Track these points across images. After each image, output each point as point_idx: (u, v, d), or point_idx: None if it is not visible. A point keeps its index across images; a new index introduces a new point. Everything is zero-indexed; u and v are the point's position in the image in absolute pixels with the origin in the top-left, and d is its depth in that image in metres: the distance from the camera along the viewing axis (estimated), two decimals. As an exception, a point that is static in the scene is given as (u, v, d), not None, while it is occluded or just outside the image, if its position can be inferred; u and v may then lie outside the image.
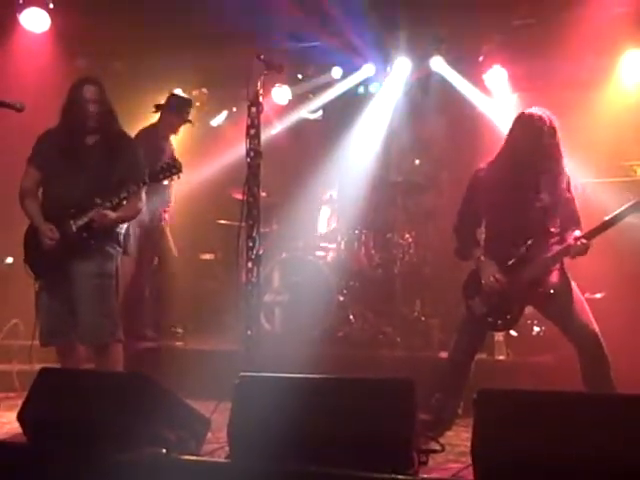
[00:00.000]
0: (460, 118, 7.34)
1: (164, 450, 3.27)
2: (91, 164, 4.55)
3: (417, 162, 7.46)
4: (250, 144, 4.34)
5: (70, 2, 6.71)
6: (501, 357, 5.59)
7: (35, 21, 6.61)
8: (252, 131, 4.36)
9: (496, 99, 7.10)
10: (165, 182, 4.70)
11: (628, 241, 5.11)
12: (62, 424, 3.38)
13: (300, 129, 8.03)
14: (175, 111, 6.39)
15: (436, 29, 6.99)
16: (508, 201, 4.17)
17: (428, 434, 3.73)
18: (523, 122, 4.17)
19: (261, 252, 4.36)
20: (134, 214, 4.70)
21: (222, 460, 3.37)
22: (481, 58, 7.11)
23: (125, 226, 4.74)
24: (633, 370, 4.40)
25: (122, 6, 6.54)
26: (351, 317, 6.46)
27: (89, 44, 7.03)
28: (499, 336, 5.54)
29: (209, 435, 3.61)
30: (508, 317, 4.20)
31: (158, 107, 6.45)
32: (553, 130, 4.10)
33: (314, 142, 8.05)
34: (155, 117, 6.55)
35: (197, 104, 7.56)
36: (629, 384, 3.87)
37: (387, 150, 7.57)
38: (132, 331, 6.16)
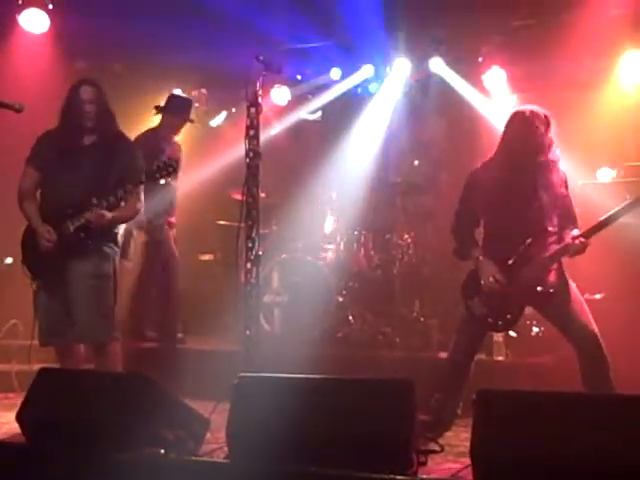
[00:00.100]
0: (459, 119, 7.34)
1: (163, 450, 3.27)
2: (88, 164, 4.56)
3: (416, 163, 7.46)
4: (249, 145, 4.34)
5: (69, 3, 6.71)
6: (500, 358, 5.59)
7: (34, 22, 6.61)
8: (251, 132, 4.36)
9: (495, 100, 7.11)
10: (162, 181, 4.68)
11: (628, 242, 5.11)
12: (61, 424, 3.38)
13: (299, 130, 8.03)
14: (175, 112, 6.38)
15: (435, 30, 7.00)
16: (505, 200, 4.17)
17: (427, 435, 3.74)
18: (517, 120, 4.18)
19: (260, 253, 4.36)
20: (132, 215, 4.70)
21: (221, 460, 3.37)
22: (480, 59, 7.12)
23: (123, 227, 4.74)
24: (633, 370, 4.40)
25: (121, 7, 6.55)
26: (350, 318, 6.46)
27: (88, 45, 7.02)
28: (498, 337, 5.53)
29: (208, 435, 3.61)
30: (508, 317, 4.20)
31: (158, 108, 6.44)
32: (547, 127, 4.11)
33: (313, 143, 8.06)
34: (155, 120, 6.55)
35: (196, 105, 7.56)
36: (629, 384, 3.87)
37: (386, 151, 7.58)
38: (134, 331, 6.17)
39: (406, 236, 6.72)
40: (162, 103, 6.55)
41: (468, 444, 2.91)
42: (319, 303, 6.23)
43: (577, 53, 6.34)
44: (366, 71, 7.61)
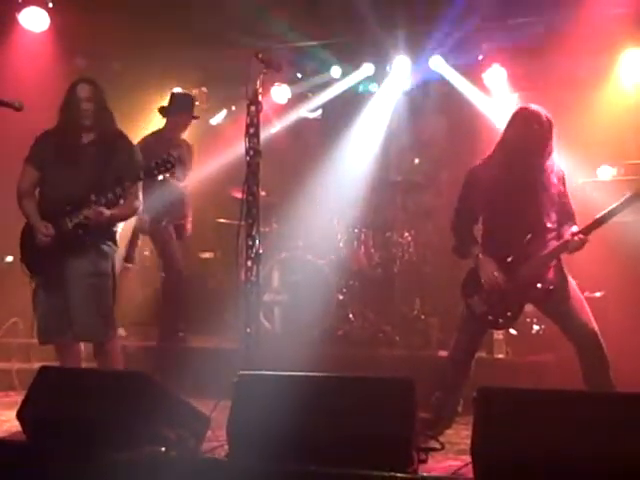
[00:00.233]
0: (460, 117, 7.34)
1: (163, 448, 3.27)
2: (86, 162, 4.56)
3: (417, 161, 7.46)
4: (249, 143, 4.34)
5: (69, 1, 6.71)
6: (501, 355, 5.60)
7: (34, 20, 6.61)
8: (251, 130, 4.35)
9: (495, 98, 7.10)
10: (160, 177, 4.68)
11: (628, 240, 5.11)
12: (62, 422, 3.38)
13: (299, 128, 8.03)
14: (179, 110, 6.36)
15: (435, 28, 6.99)
16: (504, 198, 4.17)
17: (428, 432, 3.74)
18: (520, 118, 4.18)
19: (260, 251, 4.35)
20: (130, 213, 4.70)
21: (222, 458, 3.37)
22: (480, 57, 7.12)
23: (122, 225, 4.74)
24: (633, 368, 4.41)
25: (122, 5, 6.55)
26: (351, 316, 6.47)
27: (88, 43, 7.02)
28: (499, 334, 5.54)
29: (209, 433, 3.60)
30: (508, 315, 4.20)
31: (162, 110, 6.43)
32: (549, 127, 4.11)
33: (313, 141, 8.06)
34: (157, 121, 6.55)
35: (197, 103, 7.56)
36: (629, 382, 3.87)
37: (386, 149, 7.58)
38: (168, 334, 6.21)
39: (406, 234, 6.72)
40: (163, 104, 6.55)
41: (469, 442, 2.92)
42: (319, 302, 6.23)
43: (578, 51, 6.34)
44: (366, 69, 7.61)
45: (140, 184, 4.64)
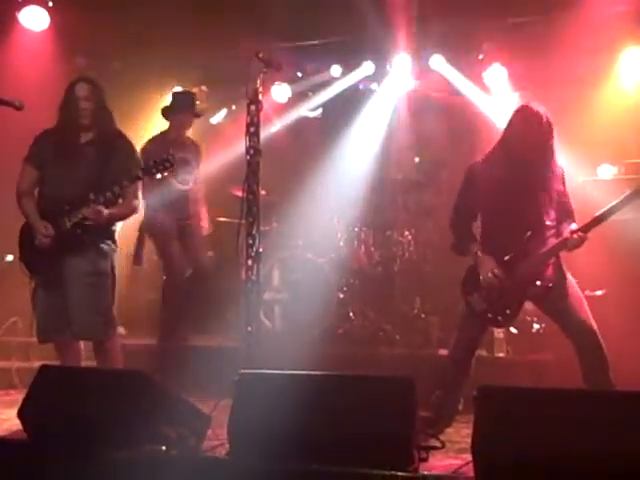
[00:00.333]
0: (460, 116, 7.34)
1: (164, 447, 3.27)
2: (85, 162, 4.57)
3: (417, 160, 7.46)
4: (250, 142, 4.33)
5: (69, 0, 6.70)
6: (501, 354, 5.60)
7: (34, 19, 6.60)
8: (252, 129, 4.35)
9: (496, 97, 7.10)
10: (158, 176, 4.68)
11: (628, 238, 5.11)
12: (62, 421, 3.39)
13: (300, 127, 8.03)
14: (182, 108, 6.34)
15: (436, 27, 6.99)
16: (503, 195, 4.16)
17: (428, 431, 3.74)
18: (520, 117, 4.18)
19: (261, 250, 4.35)
20: (129, 212, 4.70)
21: (222, 457, 3.37)
22: (481, 56, 7.11)
23: (120, 224, 4.73)
24: (634, 367, 4.41)
25: (122, 4, 6.54)
26: (351, 315, 6.47)
27: (88, 42, 7.02)
28: (499, 333, 5.55)
29: (209, 432, 3.60)
30: (507, 312, 4.20)
31: (164, 111, 6.41)
32: (549, 125, 4.11)
33: (314, 140, 8.06)
34: (154, 119, 6.54)
35: (197, 102, 7.55)
36: (630, 381, 3.87)
37: (387, 148, 7.58)
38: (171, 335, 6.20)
39: (407, 233, 6.72)
40: (165, 105, 6.54)
41: (469, 440, 2.92)
42: (320, 300, 6.24)
43: (578, 50, 6.34)
44: (367, 68, 7.60)
45: (139, 184, 4.64)
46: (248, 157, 4.35)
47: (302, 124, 8.08)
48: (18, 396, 3.97)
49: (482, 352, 5.21)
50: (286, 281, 6.51)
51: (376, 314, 6.53)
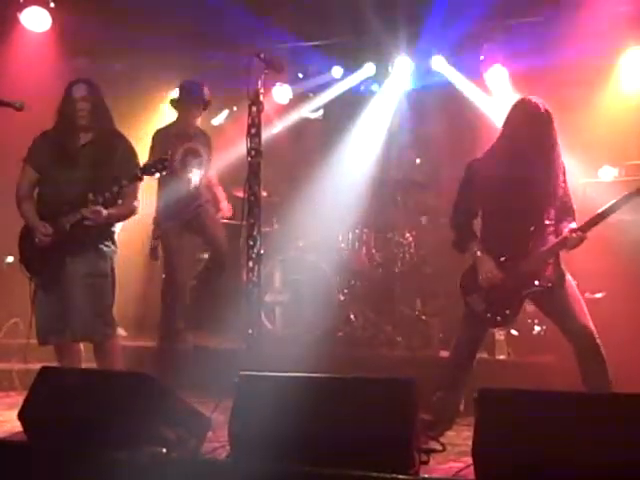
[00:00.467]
0: (461, 117, 7.34)
1: (164, 449, 3.27)
2: (84, 162, 4.57)
3: (418, 161, 7.46)
4: (251, 143, 4.34)
5: (71, 1, 6.71)
6: (502, 357, 5.59)
7: (36, 20, 6.61)
8: (253, 130, 4.35)
9: (497, 98, 7.10)
10: (157, 175, 4.69)
11: (629, 240, 5.11)
12: (63, 423, 3.38)
13: (301, 128, 8.02)
14: (189, 96, 6.32)
15: (436, 28, 6.98)
16: (504, 193, 4.14)
17: (429, 433, 3.74)
18: (520, 108, 4.16)
19: (262, 251, 4.35)
20: (128, 213, 4.70)
21: (222, 459, 3.37)
22: (482, 57, 7.11)
23: (120, 225, 4.73)
24: (635, 369, 4.40)
25: (123, 6, 6.55)
26: (352, 316, 6.46)
27: (90, 43, 7.02)
28: (500, 335, 5.54)
29: (210, 434, 3.61)
30: (507, 312, 4.18)
31: (173, 102, 6.41)
32: (549, 116, 4.09)
33: (314, 141, 8.04)
34: (155, 120, 6.54)
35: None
36: (631, 383, 3.87)
37: (388, 149, 7.57)
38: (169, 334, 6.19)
39: (407, 234, 6.72)
40: (173, 97, 6.54)
41: (470, 443, 2.91)
42: (320, 302, 6.23)
43: (579, 51, 6.33)
44: (368, 69, 7.60)
45: (139, 184, 4.64)
46: (249, 158, 4.35)
47: (303, 125, 8.08)
48: (18, 398, 3.97)
49: (483, 354, 5.21)
50: (287, 282, 6.50)
51: (377, 316, 6.52)
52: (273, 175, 6.07)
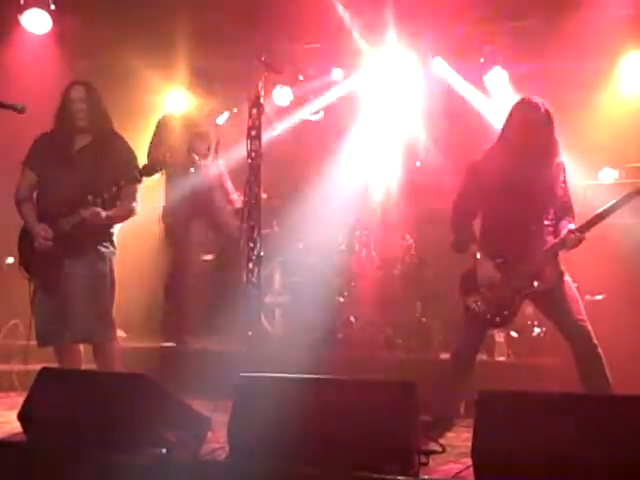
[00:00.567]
0: (461, 120, 7.33)
1: (164, 450, 3.27)
2: (82, 164, 4.59)
3: (418, 164, 7.45)
4: (251, 145, 4.35)
5: (72, 3, 6.71)
6: (502, 358, 5.59)
7: (36, 22, 6.60)
8: (253, 132, 4.37)
9: (497, 101, 7.10)
10: (156, 176, 4.71)
11: (629, 243, 5.11)
12: (62, 424, 3.39)
13: (301, 130, 8.02)
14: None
15: (436, 30, 6.99)
16: (504, 193, 4.15)
17: (429, 435, 3.73)
18: (520, 108, 4.17)
19: (262, 253, 4.36)
20: (127, 214, 4.71)
21: (222, 460, 3.37)
22: (482, 59, 7.11)
23: (119, 226, 4.74)
24: (634, 371, 4.40)
25: (124, 7, 6.55)
26: (352, 318, 6.46)
27: (91, 45, 7.02)
28: (500, 337, 5.54)
29: (209, 435, 3.60)
30: (506, 313, 4.19)
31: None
32: (549, 115, 4.10)
33: (315, 143, 8.04)
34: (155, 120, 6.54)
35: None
36: (631, 385, 3.86)
37: (388, 151, 7.56)
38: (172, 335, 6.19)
39: (408, 237, 6.72)
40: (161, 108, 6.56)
41: (470, 444, 2.92)
42: (320, 304, 6.22)
43: (579, 54, 6.33)
44: (367, 71, 7.60)
45: (138, 186, 4.65)
46: (250, 160, 4.36)
47: (303, 127, 8.08)
48: (18, 399, 3.97)
49: (483, 356, 5.21)
50: (287, 284, 6.50)
51: (377, 318, 6.51)
52: (273, 177, 6.08)
